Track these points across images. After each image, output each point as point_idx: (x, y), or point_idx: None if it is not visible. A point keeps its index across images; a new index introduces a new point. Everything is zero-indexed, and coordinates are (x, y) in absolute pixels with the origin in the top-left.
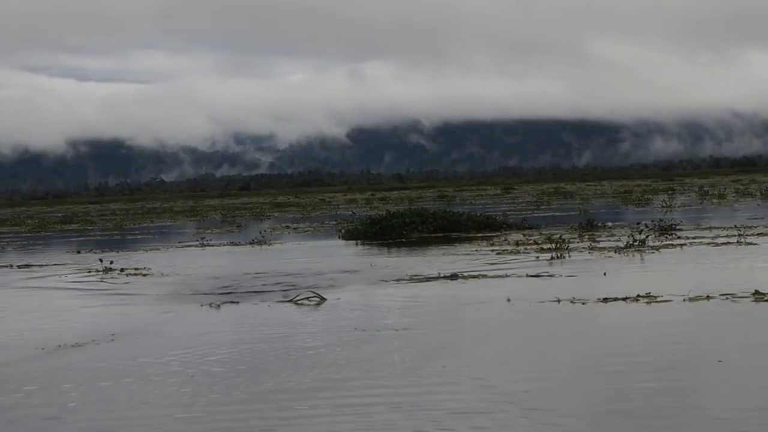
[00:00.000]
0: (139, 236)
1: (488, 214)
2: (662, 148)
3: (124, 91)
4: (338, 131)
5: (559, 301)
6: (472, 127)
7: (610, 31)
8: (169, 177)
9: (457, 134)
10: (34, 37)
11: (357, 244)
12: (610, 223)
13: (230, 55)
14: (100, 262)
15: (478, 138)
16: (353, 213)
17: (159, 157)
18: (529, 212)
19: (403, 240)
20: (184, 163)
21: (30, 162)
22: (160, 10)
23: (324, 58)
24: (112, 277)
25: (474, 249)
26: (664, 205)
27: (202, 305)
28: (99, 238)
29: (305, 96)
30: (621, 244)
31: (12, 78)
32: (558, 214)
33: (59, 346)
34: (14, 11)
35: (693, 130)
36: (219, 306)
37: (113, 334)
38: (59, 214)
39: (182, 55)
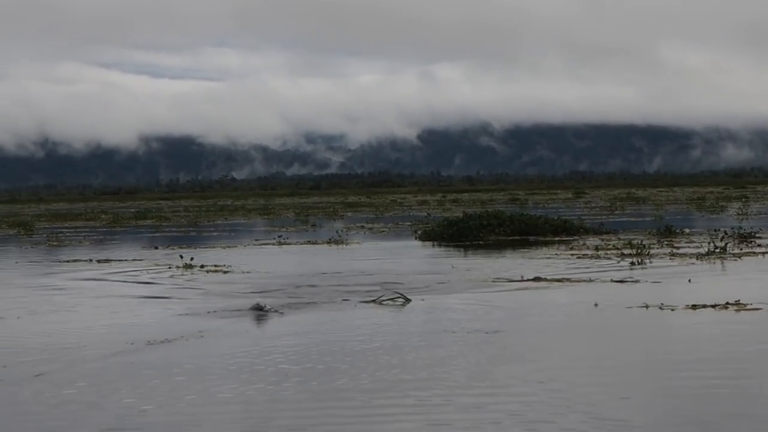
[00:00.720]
0: (215, 233)
1: (565, 218)
2: (733, 155)
3: (197, 88)
4: (409, 132)
5: (647, 307)
6: (542, 131)
7: (682, 37)
8: (239, 175)
9: (528, 137)
10: (108, 33)
11: (433, 245)
12: (686, 230)
13: (302, 55)
14: (180, 259)
15: (549, 142)
16: (428, 214)
17: (230, 155)
18: (603, 217)
19: (480, 242)
20: (255, 161)
21: (102, 157)
22: (233, 9)
23: (395, 59)
24: (192, 274)
25: (553, 253)
26: (740, 212)
27: (285, 305)
28: (175, 234)
29: (376, 97)
30: (702, 251)
31: (85, 73)
32: (633, 219)
33: (149, 342)
34: (88, 7)
35: (765, 137)
36: (303, 306)
37: (201, 331)
38: (132, 210)
39: (254, 54)
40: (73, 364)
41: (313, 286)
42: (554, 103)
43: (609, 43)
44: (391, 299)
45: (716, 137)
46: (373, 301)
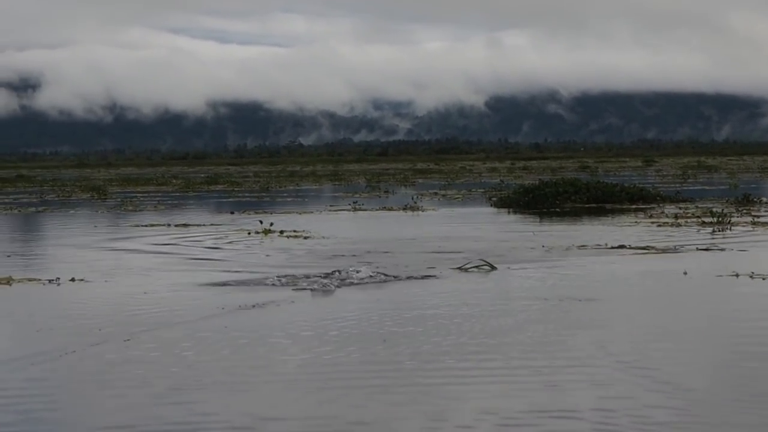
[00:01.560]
0: (289, 199)
1: (640, 186)
2: None
3: (264, 54)
4: (476, 99)
5: (737, 275)
6: (609, 99)
7: (752, 4)
8: (307, 141)
9: (595, 105)
10: None
11: (508, 212)
12: (764, 199)
13: (368, 21)
14: (260, 224)
15: (616, 109)
16: (501, 181)
17: (297, 121)
18: (676, 185)
19: (557, 210)
20: (323, 127)
21: (170, 122)
22: None
23: (462, 26)
24: (271, 240)
25: (633, 221)
26: None
27: (374, 272)
28: (248, 199)
29: (443, 63)
30: None
31: (153, 39)
32: (707, 188)
33: (239, 306)
34: None
35: None
36: (389, 273)
37: (292, 297)
38: (202, 175)
39: (321, 20)
40: (169, 327)
41: (397, 252)
42: (622, 70)
43: (677, 10)
44: (477, 267)
45: None
46: (459, 268)
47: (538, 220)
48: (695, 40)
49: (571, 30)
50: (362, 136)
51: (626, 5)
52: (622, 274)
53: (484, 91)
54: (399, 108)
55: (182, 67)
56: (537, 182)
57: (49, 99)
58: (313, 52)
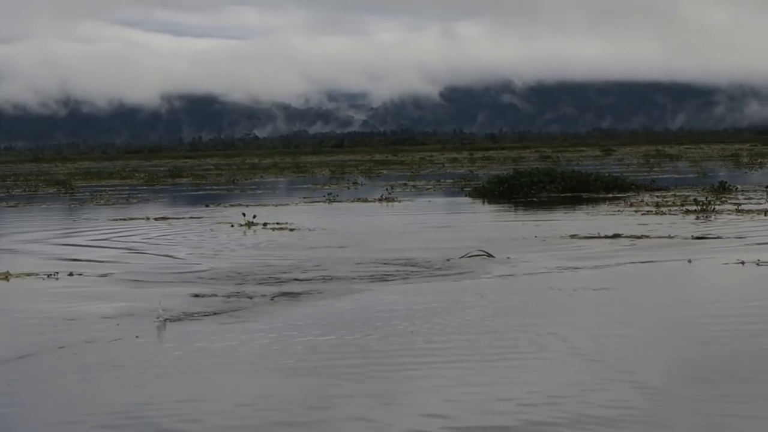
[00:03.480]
0: (259, 191)
1: (615, 175)
2: (757, 111)
3: (218, 46)
4: (431, 90)
5: (743, 263)
6: (565, 88)
7: None
8: (262, 133)
9: (550, 95)
10: None
11: (483, 202)
12: (739, 186)
13: (322, 12)
14: (242, 216)
15: (572, 99)
16: (471, 171)
17: (252, 113)
18: (644, 174)
19: (533, 199)
20: (277, 120)
21: (125, 116)
22: None
23: (416, 16)
24: (255, 232)
25: (616, 209)
26: None
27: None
28: (218, 192)
29: (397, 54)
30: (767, 206)
31: (107, 32)
32: (676, 176)
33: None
34: None
35: None
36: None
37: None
38: (162, 168)
39: (274, 12)
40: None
41: (393, 242)
42: (576, 59)
43: None
44: (476, 256)
45: (740, 94)
46: (457, 258)
47: (518, 209)
48: (649, 28)
49: (526, 20)
50: (318, 128)
51: None
52: (625, 262)
53: (439, 81)
54: (354, 99)
55: (136, 61)
56: (511, 172)
57: (2, 93)
58: (267, 44)
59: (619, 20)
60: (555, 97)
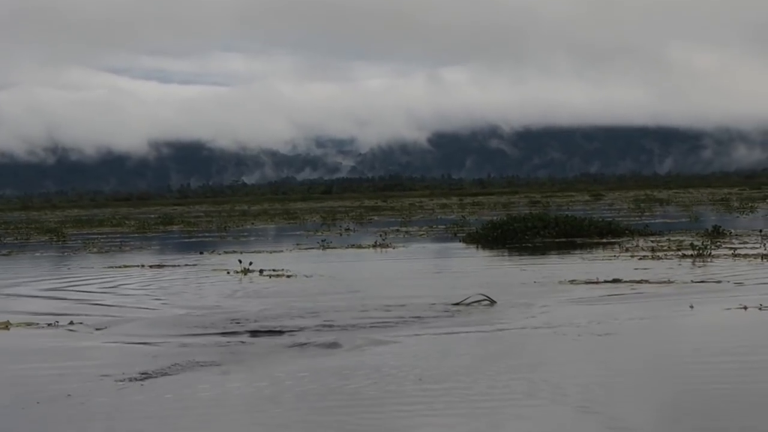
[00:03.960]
0: (251, 238)
1: (608, 220)
2: (745, 156)
3: (205, 93)
4: (419, 135)
5: (745, 308)
6: (552, 133)
7: (690, 37)
8: (250, 179)
9: (538, 139)
10: (117, 38)
11: (477, 247)
12: (733, 231)
13: (309, 58)
14: (239, 263)
15: (559, 144)
16: (463, 217)
17: (240, 160)
18: (635, 218)
19: (528, 245)
20: (265, 166)
21: (113, 163)
22: (239, 13)
23: (402, 62)
24: (251, 279)
25: (612, 254)
26: None
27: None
28: (209, 239)
29: (385, 100)
30: (763, 252)
31: (94, 79)
32: (668, 221)
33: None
34: (96, 13)
35: None
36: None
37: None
38: (152, 216)
39: (261, 58)
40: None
41: (393, 288)
42: (564, 104)
43: (617, 44)
44: (478, 302)
45: (727, 138)
46: (458, 303)
47: (514, 255)
48: (636, 73)
49: (512, 65)
50: (306, 174)
51: (566, 39)
52: (628, 306)
53: (426, 127)
54: (342, 145)
55: (123, 108)
56: (503, 217)
57: None
58: (254, 90)
59: (606, 65)
60: (542, 142)
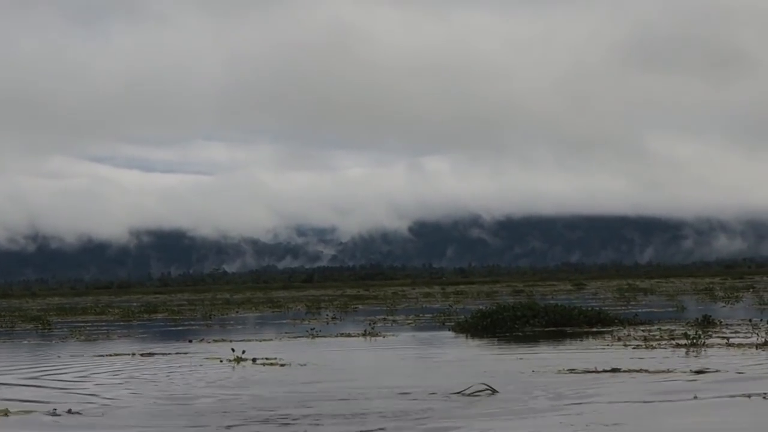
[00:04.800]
0: (239, 326)
1: (598, 309)
2: (725, 245)
3: (186, 182)
4: (400, 224)
5: (749, 396)
6: (533, 223)
7: (669, 128)
8: (231, 268)
9: (519, 229)
10: (98, 128)
11: (467, 336)
12: (723, 320)
13: (290, 147)
14: (231, 352)
15: (540, 233)
16: (450, 306)
17: (221, 248)
18: (621, 308)
19: (518, 333)
20: (246, 254)
21: (93, 251)
22: (220, 103)
23: (383, 151)
24: (244, 367)
25: (604, 344)
26: (760, 302)
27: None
28: (196, 327)
29: (365, 189)
30: (757, 341)
31: (75, 167)
32: (655, 310)
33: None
34: (78, 101)
35: (757, 228)
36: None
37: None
38: (135, 304)
39: (242, 147)
40: None
41: (390, 377)
42: (544, 194)
43: (597, 134)
44: (479, 391)
45: (708, 228)
46: (459, 393)
47: (505, 344)
48: (616, 163)
49: (493, 155)
50: (287, 263)
51: (546, 129)
52: (631, 398)
53: (407, 216)
54: (323, 234)
55: (105, 196)
56: (491, 306)
57: None
58: (235, 179)
59: (586, 155)
60: (523, 231)
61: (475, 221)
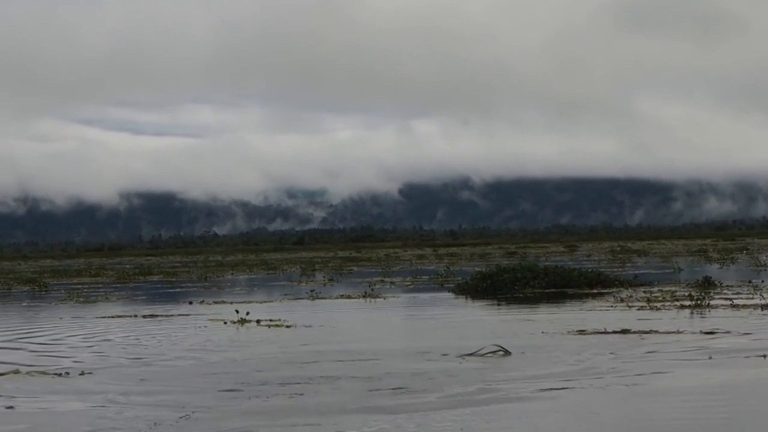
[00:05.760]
0: (236, 288)
1: (598, 271)
2: (715, 207)
3: (176, 145)
4: (389, 187)
5: (765, 356)
6: (523, 185)
7: (659, 90)
8: (221, 230)
9: (509, 191)
10: (87, 90)
11: (467, 298)
12: (723, 282)
13: (279, 110)
14: (235, 313)
15: (530, 195)
16: (448, 267)
17: (211, 211)
18: (617, 269)
19: (519, 295)
20: (237, 217)
21: (83, 214)
22: (208, 66)
23: (372, 114)
24: (248, 329)
25: (608, 305)
26: (756, 264)
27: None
28: (193, 289)
29: (355, 152)
30: (761, 302)
31: (65, 130)
32: (653, 272)
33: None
34: (67, 64)
35: (747, 189)
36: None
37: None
38: (127, 266)
39: (231, 110)
40: None
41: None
42: (534, 156)
43: (586, 96)
44: (492, 352)
45: (698, 190)
46: (471, 354)
47: (507, 306)
48: (605, 125)
49: (482, 117)
50: (277, 225)
51: (536, 91)
52: (647, 355)
53: (397, 178)
54: (313, 196)
55: (94, 159)
56: (492, 268)
57: None
58: (224, 142)
59: (576, 117)
60: (513, 193)
61: (465, 183)
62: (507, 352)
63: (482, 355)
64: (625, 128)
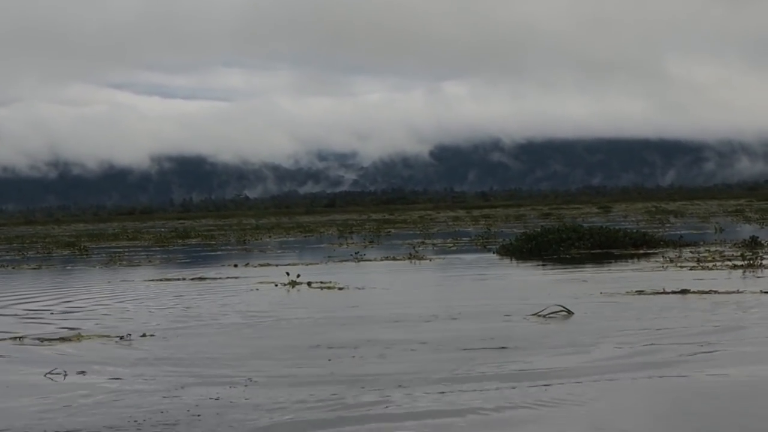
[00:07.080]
0: (278, 251)
1: (643, 231)
2: (747, 168)
3: (206, 108)
4: (420, 149)
5: None
6: (554, 146)
7: (690, 49)
8: (252, 193)
9: (540, 152)
10: (118, 54)
11: (512, 259)
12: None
13: (308, 73)
14: (286, 275)
15: (561, 156)
16: (489, 229)
17: (242, 174)
18: (656, 229)
19: (566, 256)
20: (268, 180)
21: (114, 178)
22: (239, 29)
23: (402, 76)
24: (299, 291)
25: (658, 265)
26: None
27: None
28: (235, 252)
29: (385, 114)
30: None
31: (95, 94)
32: (693, 232)
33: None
34: (98, 28)
35: None
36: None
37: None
38: (162, 230)
39: (261, 73)
40: None
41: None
42: (565, 117)
43: (617, 57)
44: (554, 312)
45: (729, 150)
46: (535, 314)
47: (555, 267)
48: (637, 86)
49: (512, 79)
50: (308, 188)
51: (566, 53)
52: (713, 316)
53: (428, 140)
54: (343, 159)
55: (125, 122)
56: (538, 229)
57: None
58: (254, 105)
59: (606, 78)
60: (544, 155)
61: (496, 145)
62: (570, 312)
63: (545, 316)
64: (656, 88)
